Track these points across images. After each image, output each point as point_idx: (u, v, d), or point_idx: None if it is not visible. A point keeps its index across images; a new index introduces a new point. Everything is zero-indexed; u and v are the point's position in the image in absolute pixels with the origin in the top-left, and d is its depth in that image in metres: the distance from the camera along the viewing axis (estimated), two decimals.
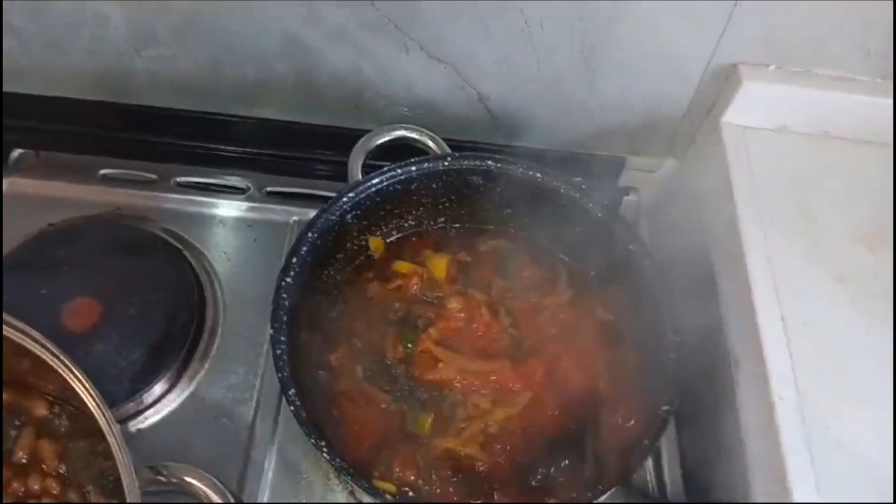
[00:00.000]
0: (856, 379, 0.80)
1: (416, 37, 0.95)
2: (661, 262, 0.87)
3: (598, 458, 0.79)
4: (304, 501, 0.85)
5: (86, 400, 0.65)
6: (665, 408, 0.75)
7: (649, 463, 0.90)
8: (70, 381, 0.67)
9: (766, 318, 0.82)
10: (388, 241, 0.97)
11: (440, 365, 0.87)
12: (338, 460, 0.72)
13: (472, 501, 0.79)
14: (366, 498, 0.84)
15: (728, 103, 0.96)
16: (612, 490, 0.72)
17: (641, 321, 0.85)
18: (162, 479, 0.65)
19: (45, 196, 1.04)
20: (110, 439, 0.61)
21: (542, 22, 0.92)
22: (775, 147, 0.96)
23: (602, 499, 0.72)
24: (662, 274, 0.85)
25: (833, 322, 0.83)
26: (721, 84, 0.96)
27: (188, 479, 0.66)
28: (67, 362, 0.66)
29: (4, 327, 0.67)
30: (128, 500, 0.59)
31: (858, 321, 0.84)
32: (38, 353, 0.68)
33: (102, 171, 1.08)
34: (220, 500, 0.65)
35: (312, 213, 0.91)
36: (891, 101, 0.94)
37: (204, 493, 0.66)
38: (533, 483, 0.80)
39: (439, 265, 0.94)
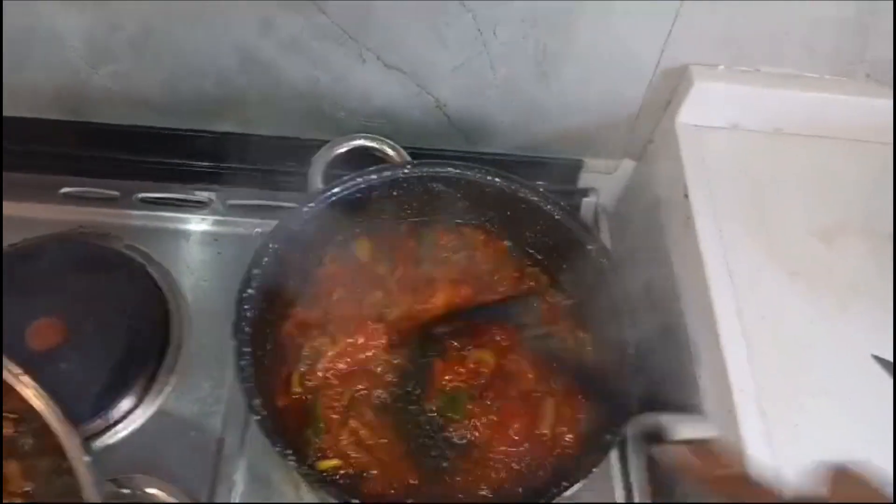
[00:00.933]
0: (813, 370, 0.81)
1: (372, 46, 0.96)
2: (620, 261, 0.88)
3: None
4: None
5: (45, 416, 0.65)
6: (625, 402, 0.76)
7: (616, 464, 0.91)
8: (31, 399, 0.67)
9: (723, 313, 0.83)
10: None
11: None
12: (305, 468, 0.73)
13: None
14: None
15: (681, 103, 0.98)
16: (577, 486, 0.73)
17: (601, 319, 0.86)
18: (126, 491, 0.65)
19: (6, 216, 1.03)
20: (69, 453, 0.61)
21: (495, 28, 0.93)
22: (729, 145, 0.98)
23: (568, 493, 0.72)
24: (621, 273, 0.86)
25: (790, 315, 0.85)
26: (673, 84, 0.99)
27: (151, 491, 0.66)
28: (27, 381, 0.66)
29: None
30: None
31: (815, 313, 0.86)
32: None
33: (64, 190, 1.07)
34: None
35: None
36: (837, 96, 0.97)
37: None
38: None
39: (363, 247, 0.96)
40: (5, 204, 1.04)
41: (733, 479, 0.59)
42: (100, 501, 0.60)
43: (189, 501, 0.67)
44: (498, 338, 0.89)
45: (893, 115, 0.96)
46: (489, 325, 0.90)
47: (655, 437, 0.67)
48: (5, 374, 0.68)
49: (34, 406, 0.66)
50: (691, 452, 0.61)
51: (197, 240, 1.05)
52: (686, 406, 0.87)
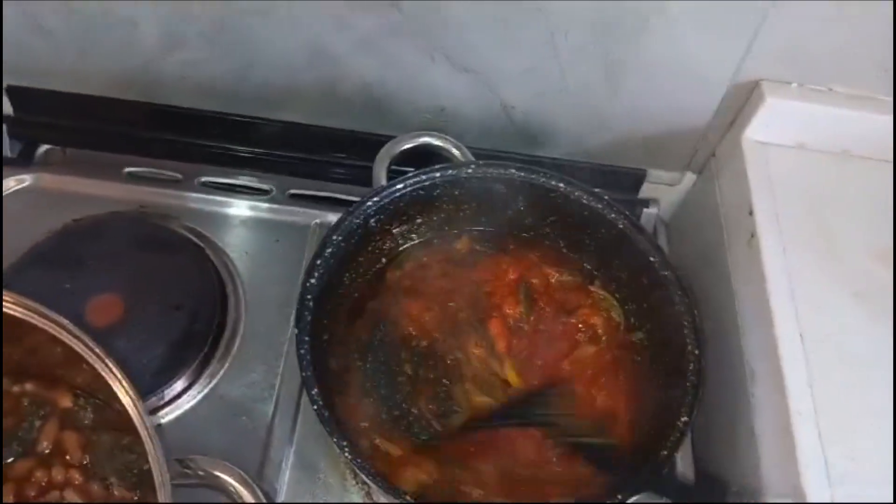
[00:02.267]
0: (873, 394, 0.80)
1: (443, 46, 0.96)
2: (683, 274, 0.88)
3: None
4: (321, 502, 0.86)
5: (117, 391, 0.65)
6: (684, 419, 0.76)
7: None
8: (102, 373, 0.68)
9: (784, 333, 0.82)
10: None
11: None
12: (359, 460, 0.73)
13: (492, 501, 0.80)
14: (382, 499, 0.85)
15: (749, 119, 0.97)
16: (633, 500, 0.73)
17: (661, 332, 0.85)
18: (189, 472, 0.66)
19: (70, 192, 1.05)
20: (142, 431, 0.62)
21: (567, 33, 0.93)
22: (795, 164, 0.97)
23: None
24: (683, 286, 0.85)
25: (851, 337, 0.84)
26: (743, 100, 0.98)
27: (216, 473, 0.66)
28: (101, 353, 0.67)
29: (37, 317, 0.68)
30: (158, 494, 0.60)
31: (876, 336, 0.84)
32: (72, 344, 0.69)
33: (128, 169, 1.09)
34: (248, 494, 0.66)
35: (334, 216, 0.92)
36: None
37: (233, 487, 0.66)
38: None
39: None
40: (70, 179, 1.06)
41: None
42: (168, 481, 0.61)
43: (253, 486, 0.67)
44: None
45: (894, 128, 0.94)
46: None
47: None
48: (74, 345, 0.69)
49: (103, 379, 0.66)
50: None
51: (255, 226, 1.06)
52: (738, 424, 0.87)
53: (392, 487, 0.75)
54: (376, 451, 0.82)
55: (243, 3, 0.93)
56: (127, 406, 0.64)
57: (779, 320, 0.83)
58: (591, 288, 0.95)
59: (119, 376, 0.65)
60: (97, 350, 0.66)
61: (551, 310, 0.93)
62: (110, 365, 0.66)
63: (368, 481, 0.75)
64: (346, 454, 0.73)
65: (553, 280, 0.95)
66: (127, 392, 0.65)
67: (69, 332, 0.69)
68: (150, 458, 0.61)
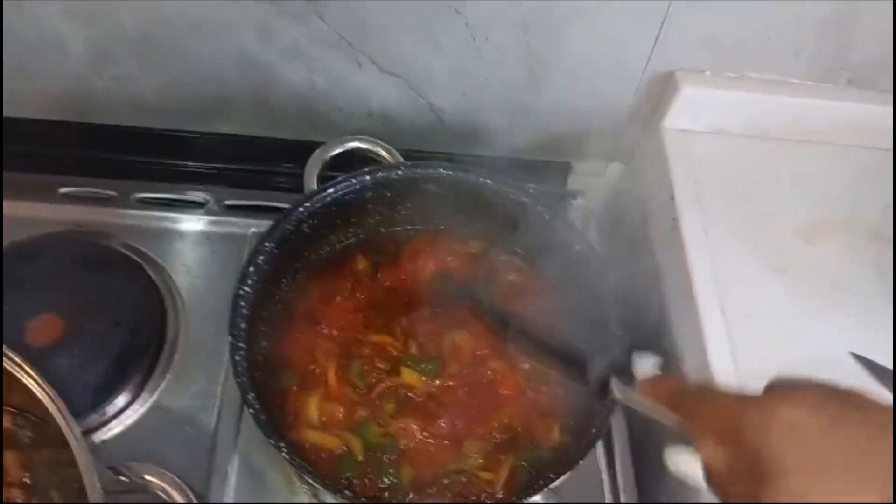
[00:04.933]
0: (795, 368, 0.83)
1: (368, 51, 0.98)
2: (607, 261, 0.90)
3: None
4: (266, 502, 0.87)
5: (48, 406, 0.66)
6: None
7: (602, 463, 0.94)
8: (34, 391, 0.69)
9: (706, 311, 0.85)
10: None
11: None
12: (297, 460, 0.75)
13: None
14: (328, 498, 0.86)
15: (667, 108, 1.00)
16: (563, 478, 0.75)
17: (587, 317, 0.88)
18: (124, 479, 0.67)
19: (5, 215, 1.05)
20: (70, 441, 0.63)
21: (487, 34, 0.95)
22: (715, 149, 1.01)
23: (553, 485, 0.74)
24: (608, 272, 0.88)
25: (773, 312, 0.87)
26: (660, 90, 1.01)
27: (149, 478, 0.68)
28: (30, 371, 0.68)
29: None
30: (90, 498, 0.61)
31: (798, 310, 0.88)
32: (4, 365, 0.70)
33: (63, 190, 1.09)
34: (180, 497, 0.67)
35: None
36: (821, 101, 0.99)
37: (165, 490, 0.68)
38: None
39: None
40: (5, 203, 1.06)
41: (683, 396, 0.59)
42: (99, 488, 0.61)
43: (185, 488, 0.68)
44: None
45: (894, 120, 0.98)
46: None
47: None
48: (7, 366, 0.70)
49: (37, 397, 0.67)
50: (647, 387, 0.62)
51: (193, 239, 1.07)
52: None
53: (333, 485, 0.76)
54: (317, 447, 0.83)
55: (171, 16, 0.95)
56: (56, 418, 0.65)
57: (701, 299, 0.86)
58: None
59: (48, 392, 0.66)
60: (27, 369, 0.67)
61: None
62: (39, 381, 0.67)
63: (309, 480, 0.76)
64: (284, 454, 0.74)
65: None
66: (55, 404, 0.66)
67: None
68: (80, 467, 0.62)
